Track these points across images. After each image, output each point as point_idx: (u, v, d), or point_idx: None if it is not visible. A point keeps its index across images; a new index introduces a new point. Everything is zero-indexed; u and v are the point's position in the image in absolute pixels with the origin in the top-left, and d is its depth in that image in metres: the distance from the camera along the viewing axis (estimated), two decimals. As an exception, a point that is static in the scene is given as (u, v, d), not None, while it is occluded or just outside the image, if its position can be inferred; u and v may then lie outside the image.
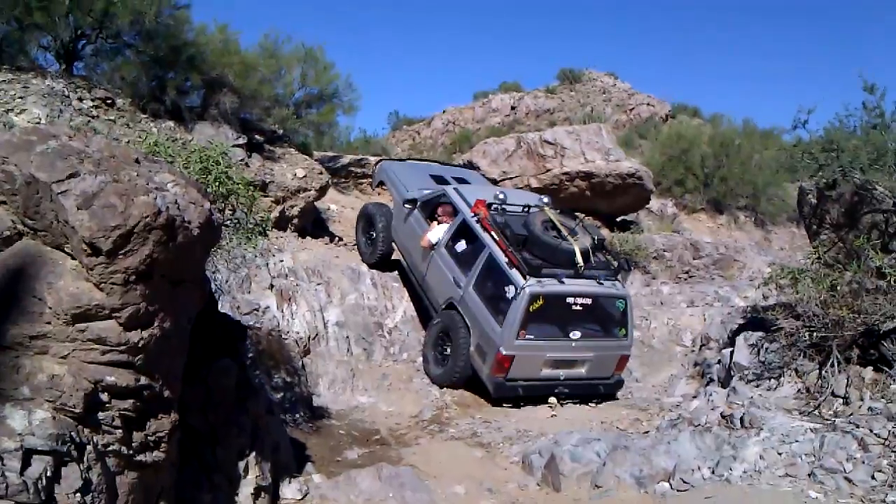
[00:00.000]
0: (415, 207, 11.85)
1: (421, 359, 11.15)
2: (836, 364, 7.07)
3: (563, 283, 9.82)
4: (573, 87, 36.79)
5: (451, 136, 33.77)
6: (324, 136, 19.92)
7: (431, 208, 11.72)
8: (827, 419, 6.65)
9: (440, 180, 12.94)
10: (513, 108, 35.41)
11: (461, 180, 13.31)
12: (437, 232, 11.21)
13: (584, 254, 10.03)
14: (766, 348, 8.23)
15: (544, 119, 33.62)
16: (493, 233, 10.22)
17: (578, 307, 9.89)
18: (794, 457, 6.06)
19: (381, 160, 15.77)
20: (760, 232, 21.53)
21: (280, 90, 16.34)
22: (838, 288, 7.29)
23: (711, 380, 9.64)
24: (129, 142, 9.63)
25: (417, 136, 35.80)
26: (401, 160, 16.37)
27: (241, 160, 13.24)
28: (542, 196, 11.82)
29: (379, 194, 14.69)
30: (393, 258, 12.85)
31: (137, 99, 13.17)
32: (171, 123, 13.33)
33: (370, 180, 15.75)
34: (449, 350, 10.41)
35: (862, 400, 6.70)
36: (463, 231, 10.79)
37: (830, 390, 6.98)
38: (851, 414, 6.57)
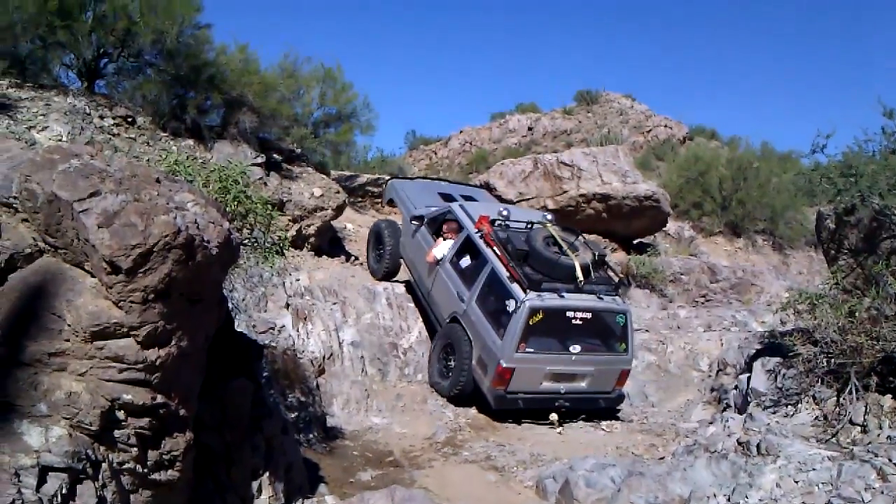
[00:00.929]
0: (422, 224, 12.13)
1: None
2: (854, 391, 6.99)
3: (563, 297, 10.00)
4: (590, 108, 36.83)
5: (467, 157, 33.85)
6: (341, 155, 20.05)
7: (437, 225, 11.97)
8: (845, 447, 6.57)
9: (448, 198, 13.21)
10: (530, 128, 35.46)
11: (469, 198, 13.57)
12: (443, 248, 11.47)
13: (585, 269, 10.20)
14: (784, 374, 8.15)
15: (561, 140, 33.65)
16: (495, 248, 10.44)
17: (578, 321, 10.04)
18: (812, 485, 5.98)
19: (391, 178, 16.03)
20: (778, 256, 21.38)
21: (299, 109, 16.48)
22: (857, 314, 7.21)
23: (728, 405, 9.56)
24: (149, 160, 9.72)
25: (434, 155, 35.89)
26: (411, 178, 16.69)
27: (260, 179, 13.33)
28: (546, 213, 12.17)
29: (390, 212, 14.83)
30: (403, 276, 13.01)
31: (158, 117, 13.30)
32: (191, 142, 13.45)
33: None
34: (453, 362, 10.59)
35: (881, 428, 6.62)
36: (467, 247, 11.02)
37: (848, 418, 6.89)
38: (870, 442, 6.48)
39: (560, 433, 10.21)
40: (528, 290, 9.81)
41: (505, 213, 11.08)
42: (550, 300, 9.88)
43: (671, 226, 19.69)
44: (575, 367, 10.25)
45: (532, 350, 9.88)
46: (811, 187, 9.88)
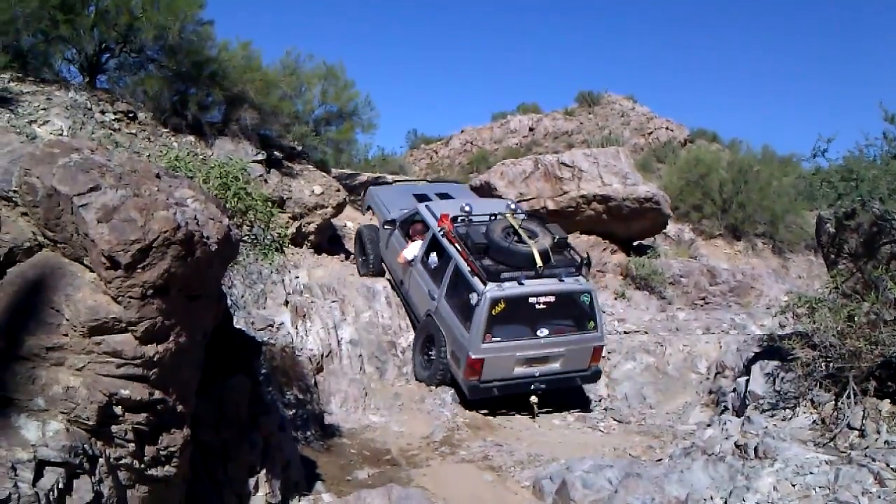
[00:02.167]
0: (394, 228, 12.60)
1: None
2: (852, 396, 6.98)
3: (522, 284, 10.25)
4: (592, 109, 36.83)
5: (468, 156, 33.87)
6: (342, 153, 20.04)
7: (408, 227, 12.39)
8: (842, 451, 6.57)
9: (422, 199, 13.47)
10: (531, 129, 35.47)
11: (445, 195, 14.02)
12: (413, 249, 11.87)
13: (543, 254, 10.50)
14: (782, 378, 8.14)
15: (562, 141, 33.65)
16: (456, 244, 10.79)
17: (542, 305, 10.29)
18: (809, 489, 5.98)
19: (369, 185, 16.47)
20: (778, 259, 21.34)
21: (300, 107, 16.47)
22: (856, 318, 7.21)
23: (726, 408, 9.56)
24: (150, 156, 9.71)
25: (435, 155, 35.91)
26: (388, 184, 17.49)
27: (260, 176, 13.32)
28: (510, 202, 12.51)
29: (371, 217, 15.06)
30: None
31: (159, 113, 13.29)
32: (192, 138, 13.44)
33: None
34: (433, 354, 10.94)
35: (878, 433, 6.62)
36: (434, 245, 11.42)
37: (846, 422, 6.89)
38: (867, 447, 6.48)
39: (535, 422, 10.53)
40: (487, 282, 10.12)
41: (467, 208, 11.47)
42: (510, 289, 10.15)
43: (671, 228, 19.66)
44: (545, 349, 10.51)
45: (499, 339, 10.16)
46: (812, 191, 9.88)
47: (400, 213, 12.86)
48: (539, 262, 10.38)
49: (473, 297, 10.16)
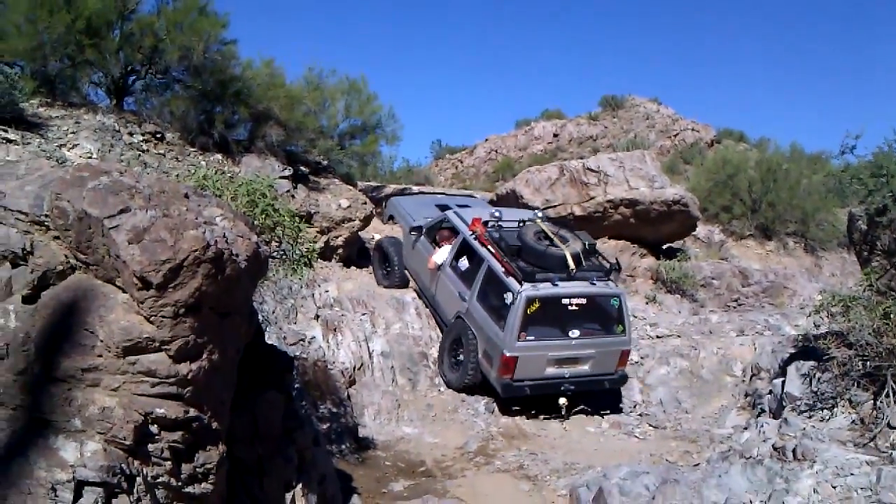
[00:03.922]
0: (420, 234, 12.74)
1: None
2: (891, 394, 6.88)
3: (556, 285, 10.48)
4: (616, 113, 36.72)
5: (493, 165, 33.88)
6: (367, 166, 20.11)
7: (435, 233, 12.56)
8: (883, 451, 6.47)
9: (444, 208, 13.72)
10: (555, 135, 35.42)
11: (463, 206, 14.13)
12: (442, 254, 11.99)
13: (575, 257, 10.76)
14: (819, 378, 8.04)
15: (587, 146, 33.57)
16: (489, 246, 11.03)
17: (574, 307, 10.54)
18: (850, 490, 5.89)
19: (390, 196, 16.68)
20: (810, 258, 21.08)
21: (324, 122, 16.54)
22: (892, 316, 7.10)
23: (763, 410, 9.46)
24: (178, 175, 9.80)
25: (460, 164, 35.95)
26: (409, 195, 17.75)
27: (287, 191, 13.40)
28: (537, 210, 12.78)
29: (392, 228, 15.21)
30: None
31: (186, 133, 13.43)
32: (219, 156, 13.56)
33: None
34: (461, 356, 11.06)
35: (920, 431, 6.51)
36: (464, 249, 11.59)
37: (886, 421, 6.79)
38: (910, 446, 6.38)
39: (565, 428, 10.56)
40: (522, 282, 10.31)
41: (497, 214, 11.89)
42: (545, 289, 10.37)
43: (701, 230, 19.48)
44: (576, 351, 10.69)
45: (533, 338, 10.35)
46: (842, 188, 9.79)
47: (425, 221, 13.09)
48: (572, 265, 10.61)
49: (508, 297, 10.35)
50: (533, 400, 10.93)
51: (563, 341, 10.59)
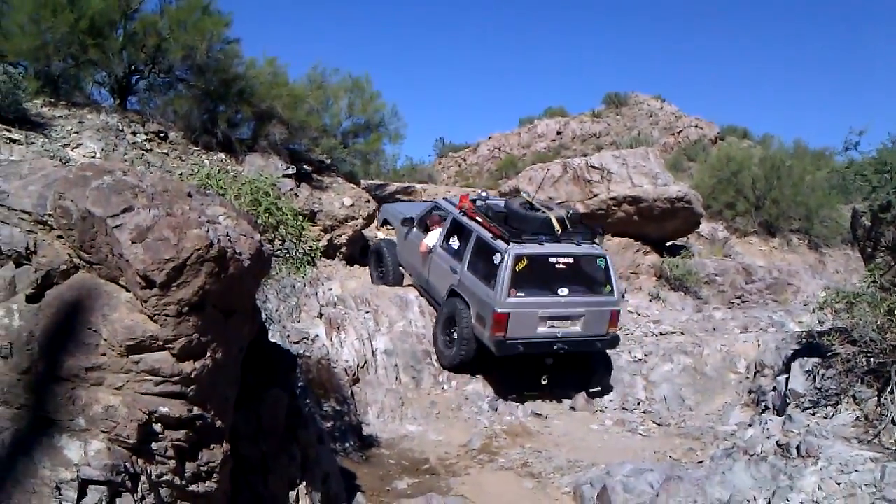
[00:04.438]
0: (413, 225, 13.00)
1: (470, 389, 11.42)
2: (895, 391, 6.87)
3: (543, 245, 10.90)
4: (619, 110, 36.71)
5: (496, 162, 33.87)
6: (371, 164, 20.14)
7: (426, 221, 12.86)
8: (887, 448, 6.46)
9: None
10: (559, 133, 35.40)
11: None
12: (433, 236, 12.35)
13: (560, 221, 11.20)
14: (823, 375, 8.04)
15: (590, 143, 33.56)
16: (477, 217, 11.54)
17: (562, 265, 10.92)
18: (854, 487, 5.88)
19: (383, 204, 16.59)
20: (814, 255, 21.06)
21: (327, 120, 16.60)
22: (896, 312, 7.10)
23: (766, 407, 9.45)
24: (181, 174, 9.81)
25: (463, 162, 35.97)
26: (400, 202, 17.93)
27: (291, 190, 13.43)
28: (524, 192, 13.17)
29: (386, 232, 15.25)
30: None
31: (190, 132, 13.46)
32: (223, 155, 13.59)
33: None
34: (455, 333, 11.26)
35: (925, 428, 6.50)
36: (454, 229, 11.99)
37: (890, 418, 6.78)
38: (914, 443, 6.37)
39: (543, 381, 11.14)
40: (510, 241, 10.73)
41: (484, 194, 12.55)
42: (532, 248, 10.79)
43: (704, 227, 19.46)
44: (566, 309, 10.96)
45: (523, 294, 10.63)
46: (845, 184, 9.78)
47: (415, 212, 13.44)
48: (557, 227, 11.07)
49: (497, 258, 10.69)
50: (526, 366, 11.31)
51: (552, 299, 10.85)
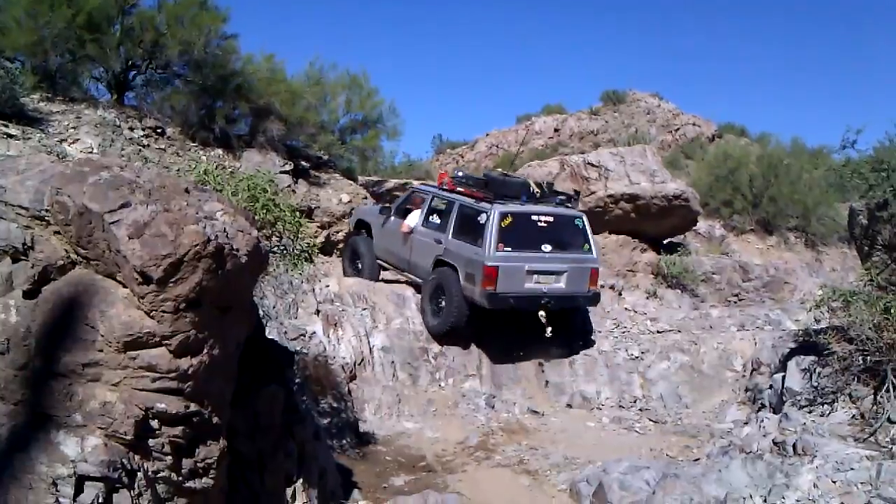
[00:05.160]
0: (390, 213, 13.20)
1: (467, 387, 11.43)
2: (891, 389, 6.89)
3: (524, 205, 11.62)
4: (617, 108, 36.65)
5: (494, 159, 33.79)
6: (368, 161, 20.11)
7: (404, 208, 13.16)
8: (883, 446, 6.47)
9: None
10: (556, 130, 35.37)
11: None
12: (413, 217, 12.67)
13: (538, 185, 12.16)
14: (819, 373, 8.05)
15: (588, 141, 33.51)
16: (458, 188, 12.17)
17: (543, 224, 11.55)
18: (850, 485, 5.89)
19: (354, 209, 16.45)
20: (811, 253, 21.06)
21: (325, 117, 16.56)
22: (892, 311, 7.10)
23: (763, 405, 9.46)
24: (179, 170, 9.80)
25: (461, 158, 35.92)
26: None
27: (288, 186, 13.42)
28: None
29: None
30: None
31: (187, 128, 13.44)
32: (220, 151, 13.57)
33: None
34: (443, 303, 11.58)
35: (920, 426, 6.51)
36: (434, 207, 12.47)
37: (886, 416, 6.79)
38: (910, 441, 6.39)
39: (548, 335, 11.41)
40: (494, 202, 11.33)
41: (461, 173, 12.92)
42: (515, 207, 11.44)
43: (701, 225, 19.44)
44: (550, 265, 11.54)
45: (510, 249, 11.14)
46: (843, 183, 9.79)
47: (393, 203, 13.76)
48: (535, 189, 11.91)
49: (482, 217, 11.23)
50: (515, 326, 11.88)
51: (537, 254, 11.40)
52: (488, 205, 11.29)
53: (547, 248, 11.44)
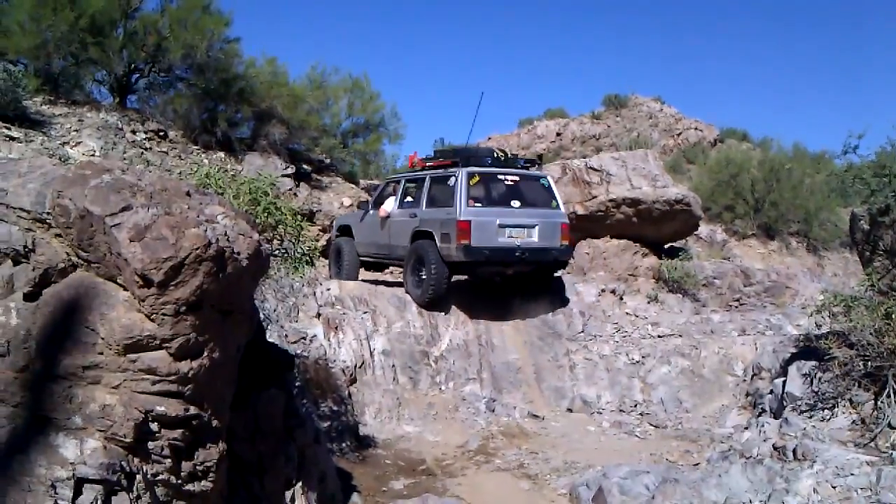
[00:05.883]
0: (368, 208, 13.82)
1: (467, 390, 11.43)
2: (892, 394, 6.88)
3: (490, 166, 12.40)
4: (619, 112, 36.67)
5: (495, 163, 33.75)
6: (370, 164, 20.16)
7: (381, 201, 13.66)
8: (883, 452, 6.46)
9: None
10: (558, 134, 35.39)
11: None
12: (389, 202, 13.30)
13: (502, 151, 13.09)
14: (820, 378, 8.04)
15: (590, 145, 33.53)
16: (428, 163, 13.03)
17: (510, 182, 12.34)
18: (850, 491, 5.89)
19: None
20: (813, 258, 21.07)
21: (327, 120, 16.63)
22: (893, 316, 7.10)
23: (763, 410, 9.45)
24: (180, 173, 9.82)
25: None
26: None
27: (290, 189, 13.44)
28: None
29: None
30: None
31: (189, 131, 13.47)
32: (222, 154, 13.60)
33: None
34: (424, 273, 12.12)
35: (921, 432, 6.51)
36: (407, 189, 13.14)
37: (887, 422, 6.78)
38: (910, 447, 6.38)
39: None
40: (460, 165, 12.13)
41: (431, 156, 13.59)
42: (481, 168, 12.23)
43: (703, 229, 19.44)
44: (520, 219, 12.16)
45: (480, 205, 11.89)
46: (844, 188, 9.78)
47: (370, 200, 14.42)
48: (500, 154, 12.74)
49: (451, 181, 12.00)
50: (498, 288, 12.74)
51: (506, 209, 12.08)
52: (456, 168, 12.08)
53: (516, 203, 12.14)
